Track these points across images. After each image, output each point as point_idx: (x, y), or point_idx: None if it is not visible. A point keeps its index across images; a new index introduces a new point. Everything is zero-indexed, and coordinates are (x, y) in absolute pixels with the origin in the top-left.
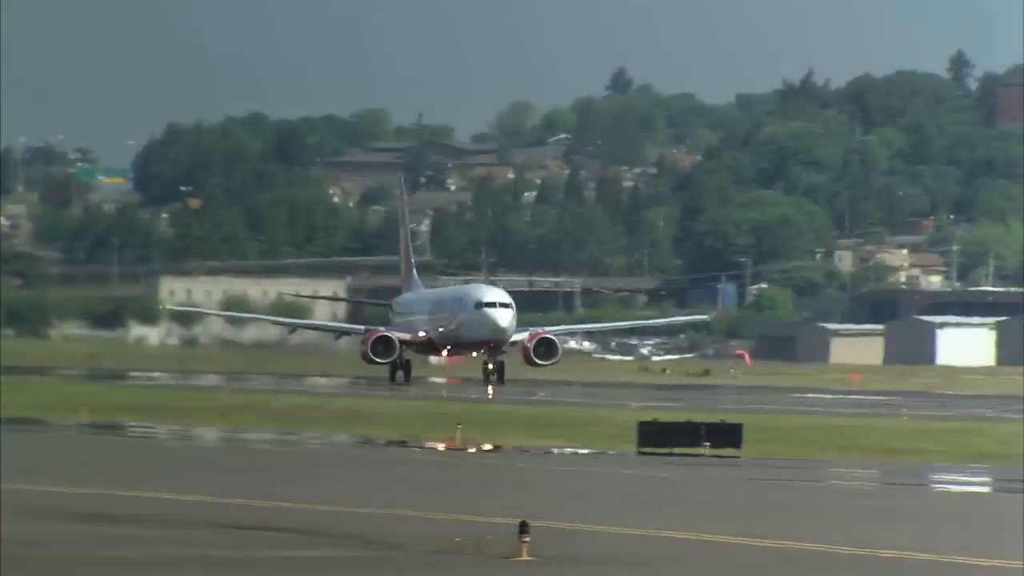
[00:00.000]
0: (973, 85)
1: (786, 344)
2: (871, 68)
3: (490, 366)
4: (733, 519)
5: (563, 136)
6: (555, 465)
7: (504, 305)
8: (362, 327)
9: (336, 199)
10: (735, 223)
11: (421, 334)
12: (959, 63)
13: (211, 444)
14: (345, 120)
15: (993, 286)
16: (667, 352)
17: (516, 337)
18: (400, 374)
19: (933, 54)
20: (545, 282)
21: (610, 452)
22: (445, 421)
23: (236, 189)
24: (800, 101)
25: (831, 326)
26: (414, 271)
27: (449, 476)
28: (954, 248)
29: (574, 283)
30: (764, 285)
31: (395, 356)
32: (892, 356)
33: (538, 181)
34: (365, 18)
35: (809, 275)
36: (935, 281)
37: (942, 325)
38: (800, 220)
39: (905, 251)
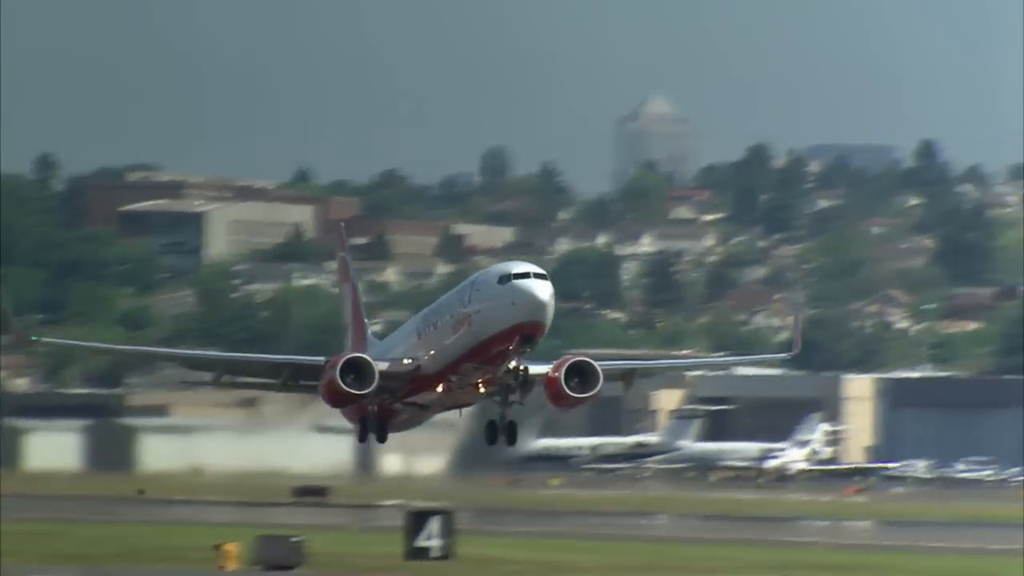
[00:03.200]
0: (60, 186)
1: None
2: None
3: (503, 394)
4: None
5: None
6: None
7: (540, 276)
8: (322, 358)
9: None
10: None
11: (406, 362)
12: (44, 164)
13: None
14: None
15: (82, 388)
16: None
17: (536, 369)
18: (372, 429)
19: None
20: None
21: None
22: None
23: None
24: None
25: None
26: (369, 335)
27: None
28: (42, 349)
29: None
30: None
31: (372, 388)
32: None
33: None
34: None
35: None
36: (21, 383)
37: (30, 429)
38: None
39: None
